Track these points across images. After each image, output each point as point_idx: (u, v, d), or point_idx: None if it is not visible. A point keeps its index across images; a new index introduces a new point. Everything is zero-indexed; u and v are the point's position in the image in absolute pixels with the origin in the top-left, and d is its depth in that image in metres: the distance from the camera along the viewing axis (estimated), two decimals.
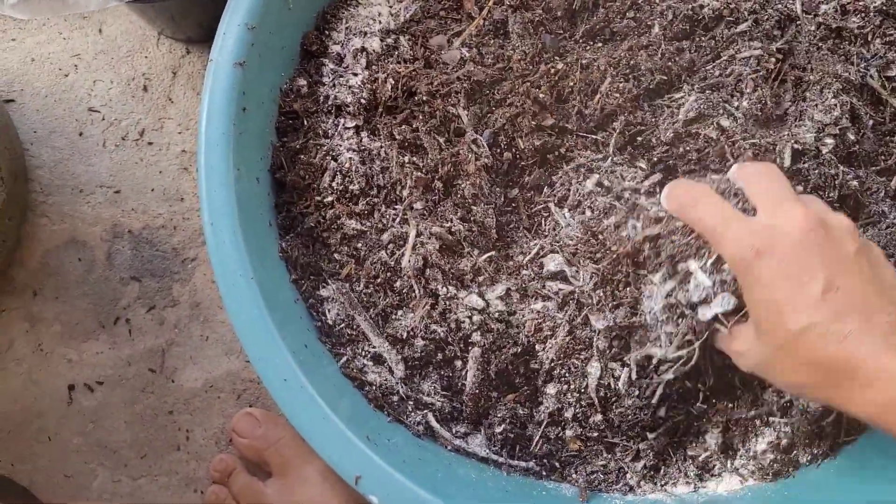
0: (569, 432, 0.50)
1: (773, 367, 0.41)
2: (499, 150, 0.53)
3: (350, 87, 0.56)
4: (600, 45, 0.55)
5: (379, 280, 0.51)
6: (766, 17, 0.54)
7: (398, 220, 0.52)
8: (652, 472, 0.50)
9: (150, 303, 0.70)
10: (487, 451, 0.50)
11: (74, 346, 0.70)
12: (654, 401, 0.48)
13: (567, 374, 0.49)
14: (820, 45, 0.54)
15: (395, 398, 0.50)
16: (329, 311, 0.52)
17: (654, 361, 0.47)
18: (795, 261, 0.40)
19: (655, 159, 0.51)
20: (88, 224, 0.72)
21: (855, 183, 0.50)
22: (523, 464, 0.50)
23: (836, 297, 0.39)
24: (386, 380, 0.50)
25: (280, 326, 0.46)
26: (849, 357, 0.38)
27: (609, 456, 0.50)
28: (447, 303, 0.51)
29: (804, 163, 0.49)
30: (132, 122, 0.74)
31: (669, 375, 0.47)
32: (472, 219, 0.52)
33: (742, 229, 0.41)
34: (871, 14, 0.54)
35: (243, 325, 0.46)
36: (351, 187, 0.53)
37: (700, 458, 0.50)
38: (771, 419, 0.50)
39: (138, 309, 0.70)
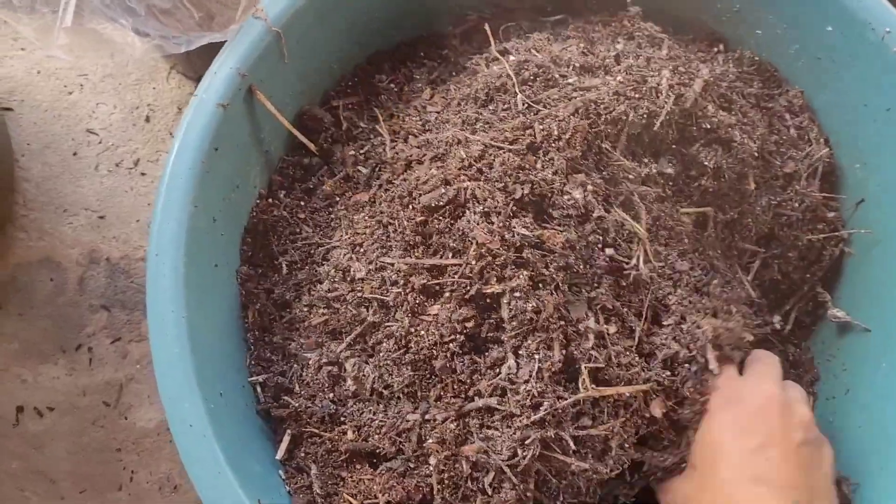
0: None
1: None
2: None
3: None
4: None
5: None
6: None
7: None
8: None
9: (116, 334, 0.69)
10: None
11: (30, 367, 0.68)
12: None
13: None
14: None
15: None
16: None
17: None
18: (746, 419, 0.43)
19: None
20: (67, 245, 0.71)
21: None
22: None
23: (761, 462, 0.42)
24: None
25: (199, 370, 0.44)
26: None
27: None
28: None
29: None
30: (129, 150, 0.74)
31: None
32: None
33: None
34: None
35: (162, 365, 0.43)
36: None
37: None
38: None
39: (103, 339, 0.69)
